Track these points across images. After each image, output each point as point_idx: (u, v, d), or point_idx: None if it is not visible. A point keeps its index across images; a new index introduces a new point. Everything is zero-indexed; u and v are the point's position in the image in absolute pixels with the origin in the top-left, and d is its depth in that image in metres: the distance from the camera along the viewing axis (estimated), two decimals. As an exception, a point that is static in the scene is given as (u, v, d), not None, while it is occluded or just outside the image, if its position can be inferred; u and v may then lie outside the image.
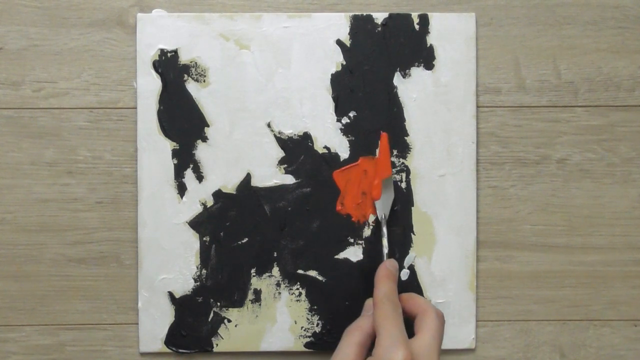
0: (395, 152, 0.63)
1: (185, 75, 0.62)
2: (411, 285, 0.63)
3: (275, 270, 0.63)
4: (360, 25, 0.63)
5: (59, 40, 0.63)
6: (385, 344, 0.49)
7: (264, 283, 0.63)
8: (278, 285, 0.63)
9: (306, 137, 0.63)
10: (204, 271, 0.63)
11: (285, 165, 0.63)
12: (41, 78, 0.63)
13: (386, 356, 0.49)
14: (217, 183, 0.63)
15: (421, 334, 0.51)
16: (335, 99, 0.63)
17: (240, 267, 0.63)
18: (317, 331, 0.63)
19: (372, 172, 0.63)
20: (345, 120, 0.63)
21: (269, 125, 0.63)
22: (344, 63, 0.63)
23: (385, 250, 0.60)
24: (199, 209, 0.63)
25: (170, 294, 0.63)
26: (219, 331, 0.63)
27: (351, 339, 0.53)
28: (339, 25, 0.63)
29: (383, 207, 0.62)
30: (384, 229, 0.61)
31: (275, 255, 0.63)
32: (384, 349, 0.49)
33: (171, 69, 0.62)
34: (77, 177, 0.63)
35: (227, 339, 0.63)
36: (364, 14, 0.63)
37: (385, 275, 0.56)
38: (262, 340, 0.63)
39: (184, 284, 0.63)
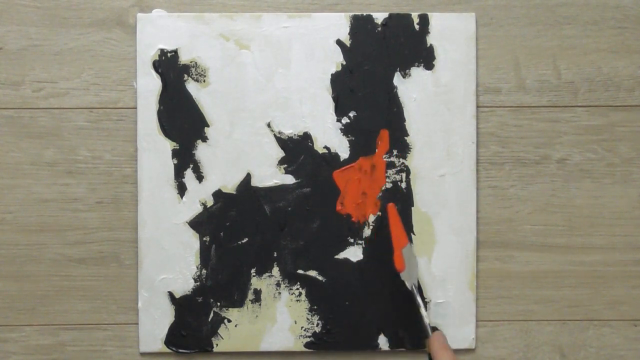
0: (395, 152, 0.63)
1: (185, 75, 0.63)
2: (411, 285, 0.63)
3: (275, 270, 0.63)
4: (360, 25, 0.63)
5: (59, 40, 0.63)
6: None
7: (264, 283, 0.63)
8: (278, 285, 0.63)
9: (306, 137, 0.63)
10: (204, 271, 0.63)
11: (285, 165, 0.63)
12: (41, 78, 0.63)
13: None
14: (217, 183, 0.63)
15: None
16: (335, 99, 0.63)
17: (240, 267, 0.63)
18: (317, 331, 0.63)
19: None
20: (345, 120, 0.63)
21: (269, 125, 0.63)
22: (344, 63, 0.63)
23: (427, 320, 0.59)
24: (199, 209, 0.63)
25: (170, 294, 0.63)
26: (219, 331, 0.63)
27: None
28: (339, 25, 0.63)
29: (410, 276, 0.61)
30: (419, 299, 0.59)
31: (275, 255, 0.63)
32: None
33: (171, 69, 0.62)
34: (77, 177, 0.63)
35: (227, 339, 0.63)
36: (364, 14, 0.63)
37: (443, 346, 0.56)
38: (262, 340, 0.63)
39: (184, 284, 0.63)
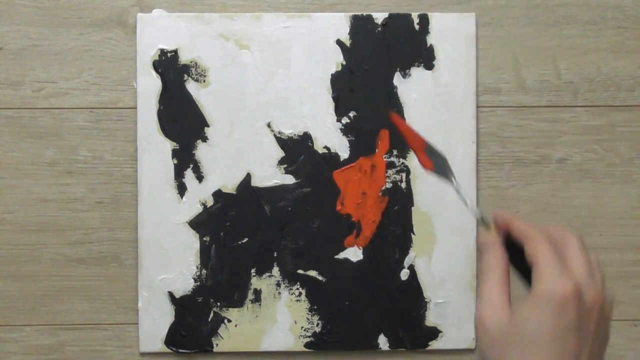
0: (395, 152, 0.63)
1: (185, 75, 0.62)
2: (411, 285, 0.63)
3: (275, 270, 0.63)
4: (360, 25, 0.63)
5: (59, 40, 0.63)
6: (548, 275, 0.42)
7: (264, 283, 0.63)
8: (278, 285, 0.63)
9: (306, 137, 0.63)
10: (204, 271, 0.63)
11: (285, 165, 0.63)
12: (41, 78, 0.63)
13: (554, 288, 0.42)
14: (217, 183, 0.63)
15: (570, 262, 0.44)
16: (335, 99, 0.63)
17: (240, 267, 0.63)
18: (317, 331, 0.63)
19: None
20: (345, 120, 0.63)
21: (269, 125, 0.63)
22: (344, 63, 0.63)
23: (478, 213, 0.49)
24: (199, 209, 0.63)
25: (170, 294, 0.63)
26: (219, 331, 0.63)
27: (493, 276, 0.45)
28: (339, 25, 0.63)
29: (444, 172, 0.53)
30: (461, 190, 0.52)
31: (275, 255, 0.63)
32: (547, 282, 0.42)
33: (171, 69, 0.62)
34: (77, 177, 0.63)
35: (227, 339, 0.63)
36: (364, 14, 0.63)
37: (511, 217, 0.47)
38: (262, 340, 0.63)
39: (184, 284, 0.63)
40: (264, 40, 0.63)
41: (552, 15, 0.64)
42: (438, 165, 0.51)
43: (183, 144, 0.63)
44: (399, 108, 0.63)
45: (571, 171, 0.64)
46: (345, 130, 0.63)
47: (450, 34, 0.63)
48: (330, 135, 0.63)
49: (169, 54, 0.62)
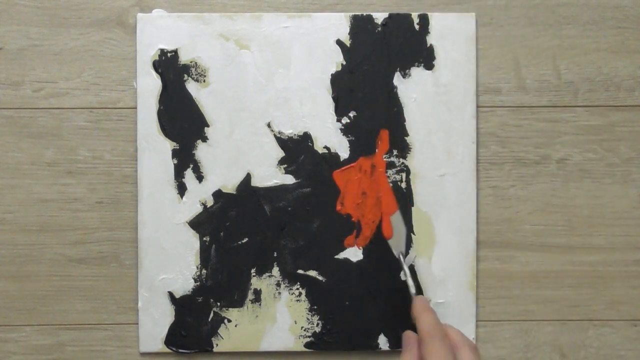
0: (395, 152, 0.63)
1: (185, 75, 0.63)
2: (411, 285, 0.63)
3: (275, 270, 0.63)
4: (360, 25, 0.63)
5: (59, 40, 0.63)
6: None
7: (264, 283, 0.63)
8: (278, 285, 0.63)
9: (306, 137, 0.63)
10: (204, 271, 0.63)
11: (285, 165, 0.63)
12: (41, 78, 0.63)
13: None
14: (217, 183, 0.63)
15: None
16: (335, 99, 0.63)
17: (240, 267, 0.63)
18: (317, 331, 0.63)
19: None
20: (345, 120, 0.63)
21: (269, 125, 0.63)
22: (344, 63, 0.63)
23: (413, 290, 0.58)
24: (199, 209, 0.63)
25: (170, 294, 0.63)
26: (219, 331, 0.63)
27: None
28: (339, 25, 0.63)
29: (397, 244, 0.60)
30: (406, 268, 0.59)
31: (275, 255, 0.63)
32: None
33: (171, 69, 0.62)
34: (77, 177, 0.63)
35: (227, 339, 0.63)
36: (364, 14, 0.63)
37: (426, 307, 0.55)
38: (262, 340, 0.63)
39: (184, 284, 0.63)
40: (264, 40, 0.63)
41: (552, 15, 0.64)
42: (396, 237, 0.57)
43: (183, 144, 0.63)
44: (398, 108, 0.63)
45: (571, 171, 0.64)
46: (345, 130, 0.63)
47: (450, 34, 0.63)
48: (330, 135, 0.63)
49: (169, 54, 0.62)
